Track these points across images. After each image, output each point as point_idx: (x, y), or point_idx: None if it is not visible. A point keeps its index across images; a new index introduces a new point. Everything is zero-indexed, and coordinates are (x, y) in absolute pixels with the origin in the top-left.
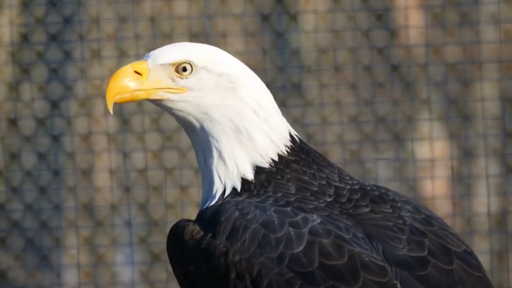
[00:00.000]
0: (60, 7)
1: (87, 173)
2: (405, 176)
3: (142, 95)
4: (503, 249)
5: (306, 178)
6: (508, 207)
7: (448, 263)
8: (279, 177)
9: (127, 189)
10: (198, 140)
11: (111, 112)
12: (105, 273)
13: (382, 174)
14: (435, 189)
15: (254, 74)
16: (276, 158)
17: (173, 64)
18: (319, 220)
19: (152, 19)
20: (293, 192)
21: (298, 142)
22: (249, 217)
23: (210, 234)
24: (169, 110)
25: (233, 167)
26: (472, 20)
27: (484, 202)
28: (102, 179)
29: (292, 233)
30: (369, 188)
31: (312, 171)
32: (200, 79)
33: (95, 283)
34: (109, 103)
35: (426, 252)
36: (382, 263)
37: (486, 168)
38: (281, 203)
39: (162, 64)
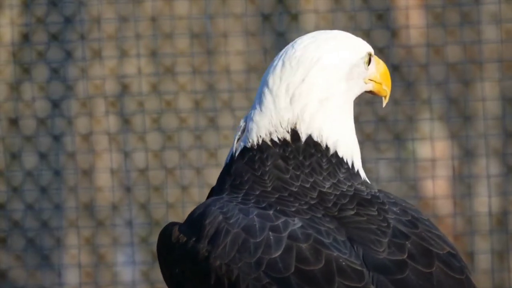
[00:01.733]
0: (61, 7)
1: (88, 173)
2: (406, 176)
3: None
4: (504, 249)
5: (287, 177)
6: (508, 207)
7: (427, 266)
8: (256, 167)
9: (128, 189)
10: None
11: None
12: (106, 273)
13: (383, 174)
14: (436, 189)
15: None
16: (258, 143)
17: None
18: (300, 224)
19: (153, 19)
20: (269, 189)
21: (303, 142)
22: (231, 221)
23: (194, 238)
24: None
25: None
26: (473, 20)
27: (485, 202)
28: (103, 179)
29: (271, 237)
30: (365, 193)
31: (298, 173)
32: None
33: (96, 283)
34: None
35: (406, 255)
36: (359, 268)
37: (487, 168)
38: (263, 205)
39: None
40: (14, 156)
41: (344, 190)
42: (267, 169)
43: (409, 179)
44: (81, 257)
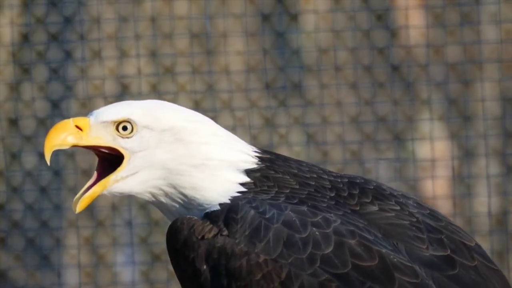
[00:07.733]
0: (60, 7)
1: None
2: (406, 176)
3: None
4: (504, 249)
5: (296, 171)
6: (508, 207)
7: (471, 259)
8: (272, 172)
9: None
10: (169, 198)
11: (48, 163)
12: (106, 273)
13: (382, 174)
14: (436, 189)
15: (194, 115)
16: (256, 160)
17: (114, 122)
18: (339, 221)
19: (153, 19)
20: (297, 187)
21: (262, 151)
22: (267, 216)
23: (225, 233)
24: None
25: (222, 182)
26: (473, 20)
27: (484, 202)
28: None
29: (317, 233)
30: (358, 180)
31: (296, 165)
32: (142, 139)
33: (95, 283)
34: (47, 154)
35: (448, 251)
36: (410, 264)
37: (487, 168)
38: (294, 201)
39: (103, 122)
40: (14, 156)
41: (333, 175)
42: (282, 170)
43: (408, 179)
44: (81, 257)
